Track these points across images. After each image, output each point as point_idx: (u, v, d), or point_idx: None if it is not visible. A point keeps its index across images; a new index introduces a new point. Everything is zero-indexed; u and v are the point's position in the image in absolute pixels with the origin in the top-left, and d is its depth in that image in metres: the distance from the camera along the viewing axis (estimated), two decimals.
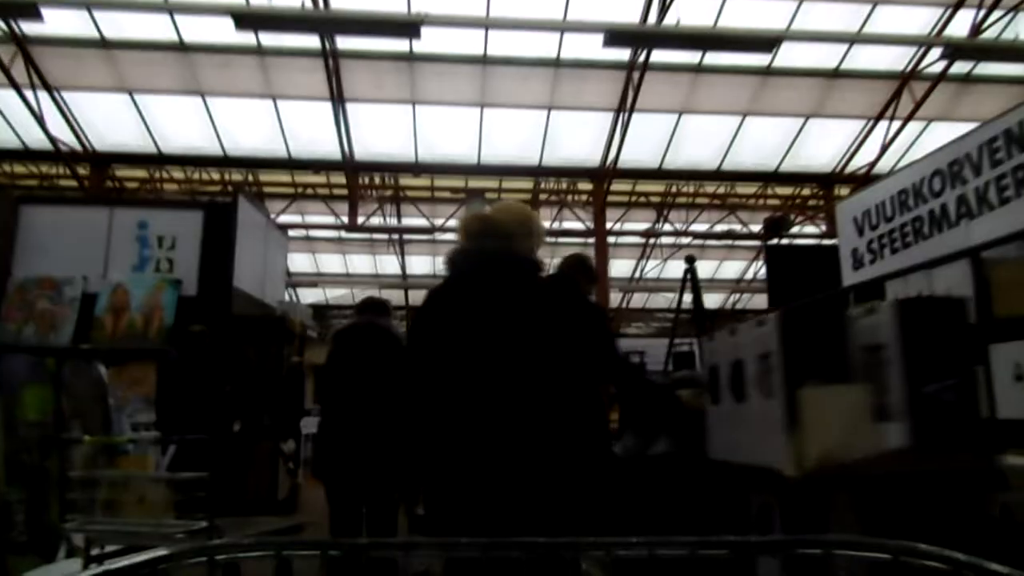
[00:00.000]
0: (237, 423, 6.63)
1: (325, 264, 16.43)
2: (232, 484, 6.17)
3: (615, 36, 8.43)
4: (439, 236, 14.22)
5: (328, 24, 8.60)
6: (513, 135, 11.38)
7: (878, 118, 11.29)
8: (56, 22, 9.19)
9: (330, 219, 12.90)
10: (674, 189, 13.06)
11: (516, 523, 1.83)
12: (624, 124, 10.84)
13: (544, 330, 2.05)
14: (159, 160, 11.56)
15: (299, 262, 15.80)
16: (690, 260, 5.17)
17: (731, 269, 16.58)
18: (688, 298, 5.32)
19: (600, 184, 12.18)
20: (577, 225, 12.83)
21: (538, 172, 12.18)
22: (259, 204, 9.00)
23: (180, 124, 10.95)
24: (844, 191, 11.40)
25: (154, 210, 7.25)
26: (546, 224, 12.80)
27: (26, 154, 11.20)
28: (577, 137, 11.36)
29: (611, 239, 13.22)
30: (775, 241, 11.20)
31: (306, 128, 11.09)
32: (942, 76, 10.53)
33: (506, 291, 2.07)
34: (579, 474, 2.21)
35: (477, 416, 1.93)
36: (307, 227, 13.24)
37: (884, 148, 11.50)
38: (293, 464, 8.04)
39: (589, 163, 11.99)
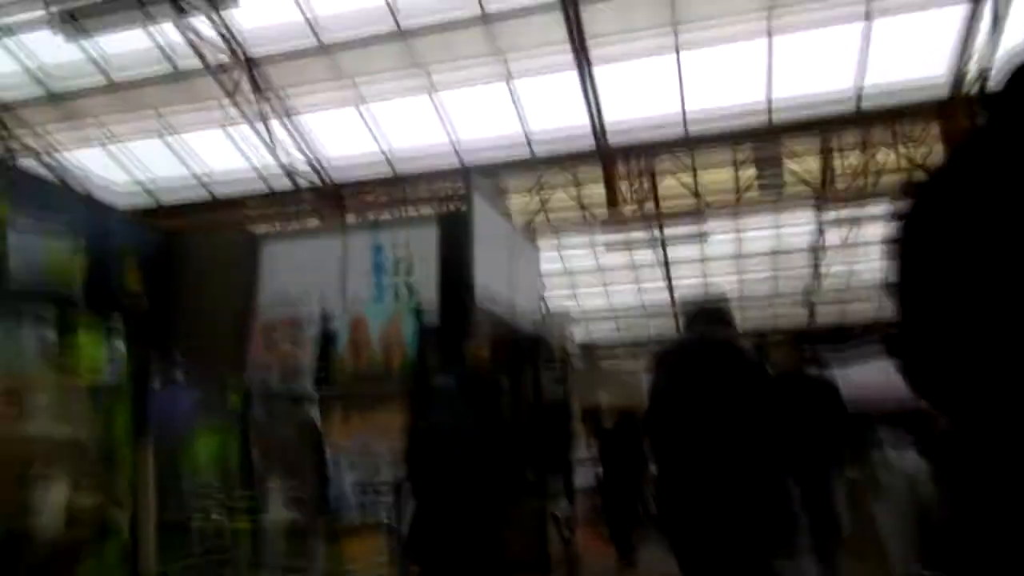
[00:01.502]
0: (529, 472, 5.28)
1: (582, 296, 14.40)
2: (490, 561, 4.73)
3: None
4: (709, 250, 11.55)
5: None
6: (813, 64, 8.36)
7: None
8: (259, 12, 8.56)
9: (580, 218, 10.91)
10: None
11: None
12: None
13: None
14: (395, 182, 10.51)
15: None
16: None
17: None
18: None
19: (948, 122, 8.35)
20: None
21: (850, 120, 8.74)
22: (500, 206, 7.46)
23: (412, 130, 9.80)
24: None
25: (387, 231, 6.59)
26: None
27: (268, 195, 10.84)
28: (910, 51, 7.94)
29: None
30: None
31: (547, 105, 9.25)
32: None
33: None
34: None
35: None
36: (555, 226, 11.22)
37: None
38: (568, 530, 6.24)
39: (930, 89, 8.43)
